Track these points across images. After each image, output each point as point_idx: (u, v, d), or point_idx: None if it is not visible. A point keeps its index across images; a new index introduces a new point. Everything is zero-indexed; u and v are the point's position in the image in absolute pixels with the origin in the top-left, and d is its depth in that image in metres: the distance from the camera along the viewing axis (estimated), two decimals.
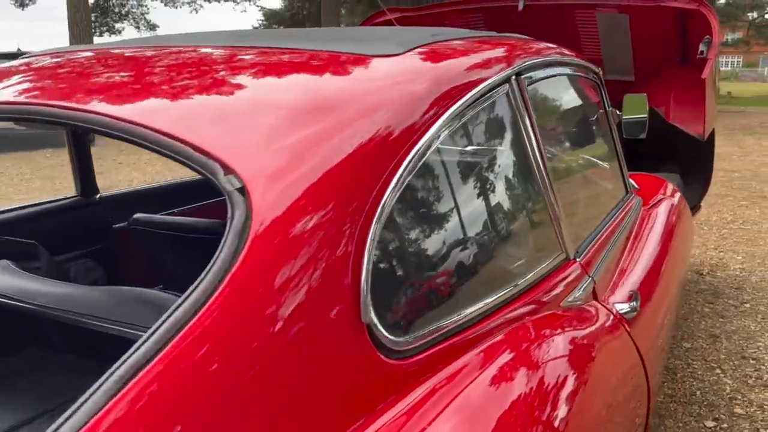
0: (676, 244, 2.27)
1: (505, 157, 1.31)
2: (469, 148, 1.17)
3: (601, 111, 2.07)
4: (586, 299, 1.45)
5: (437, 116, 1.04)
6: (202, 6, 24.18)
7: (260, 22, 25.84)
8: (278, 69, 1.13)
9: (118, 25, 23.57)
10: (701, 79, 3.01)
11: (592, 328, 1.37)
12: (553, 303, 1.32)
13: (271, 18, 26.05)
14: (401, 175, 0.95)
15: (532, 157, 1.35)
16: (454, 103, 1.09)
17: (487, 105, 1.21)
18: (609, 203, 1.94)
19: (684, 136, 3.58)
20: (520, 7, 3.45)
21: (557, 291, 1.34)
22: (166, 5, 23.52)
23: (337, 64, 1.15)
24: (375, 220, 0.90)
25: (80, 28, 18.91)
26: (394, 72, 1.12)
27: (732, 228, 5.62)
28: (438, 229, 1.06)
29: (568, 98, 1.87)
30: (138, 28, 23.60)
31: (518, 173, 1.34)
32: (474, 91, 1.15)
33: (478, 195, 1.17)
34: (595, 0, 3.41)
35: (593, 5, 3.41)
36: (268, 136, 0.92)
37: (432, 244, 1.04)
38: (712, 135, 3.72)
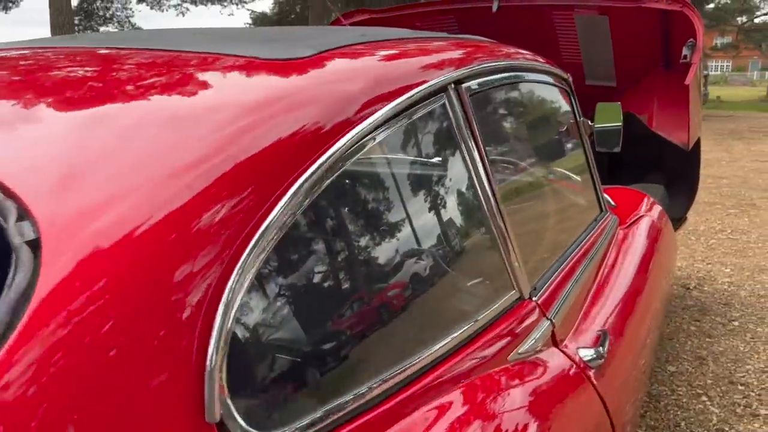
0: (656, 267, 2.06)
1: (435, 179, 1.09)
2: (386, 173, 0.95)
3: (571, 121, 1.86)
4: (544, 345, 1.24)
5: (335, 139, 0.82)
6: (188, 9, 23.83)
7: (248, 25, 25.56)
8: (139, 77, 0.91)
9: (102, 29, 23.20)
10: (685, 85, 2.81)
11: (548, 381, 1.15)
12: (501, 355, 1.11)
13: (259, 21, 25.81)
14: (280, 211, 0.73)
15: (474, 178, 1.14)
16: (363, 120, 0.87)
17: (413, 121, 0.99)
18: (578, 226, 1.73)
19: (669, 144, 3.39)
20: (495, 8, 3.24)
21: (506, 340, 1.13)
22: (152, 8, 23.22)
23: (221, 68, 0.93)
24: (236, 270, 0.67)
25: (63, 31, 18.61)
26: (286, 80, 0.90)
27: (720, 238, 5.44)
28: (337, 272, 0.84)
29: (531, 108, 1.66)
30: (123, 30, 23.15)
31: (454, 197, 1.12)
32: (392, 105, 0.93)
33: (396, 225, 0.95)
34: (573, 0, 3.21)
35: (571, 6, 3.21)
36: (93, 167, 0.69)
37: (326, 291, 0.82)
38: (698, 144, 3.53)
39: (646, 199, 2.49)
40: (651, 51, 3.33)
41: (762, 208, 6.58)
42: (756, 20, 32.50)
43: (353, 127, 0.83)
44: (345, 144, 0.81)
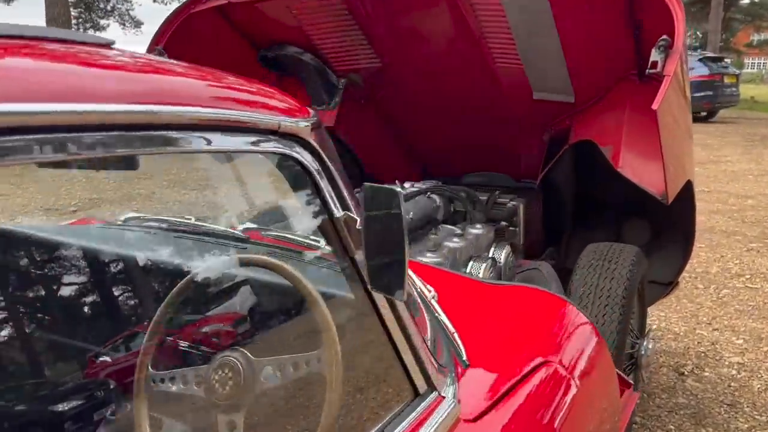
0: None
1: None
2: None
3: (321, 219, 0.83)
4: None
5: None
6: None
7: None
8: None
9: (102, 22, 22.44)
10: (652, 110, 1.74)
11: None
12: None
13: None
14: None
15: None
16: None
17: None
18: None
19: None
20: None
21: None
22: (154, 1, 22.38)
23: None
24: None
25: (58, 24, 17.94)
26: None
27: (736, 287, 4.31)
28: None
29: None
30: (123, 25, 22.42)
31: None
32: None
33: None
34: None
35: None
36: None
37: None
38: (690, 187, 2.45)
39: (564, 311, 1.43)
40: (617, 54, 2.26)
41: None
42: None
43: None
44: None
